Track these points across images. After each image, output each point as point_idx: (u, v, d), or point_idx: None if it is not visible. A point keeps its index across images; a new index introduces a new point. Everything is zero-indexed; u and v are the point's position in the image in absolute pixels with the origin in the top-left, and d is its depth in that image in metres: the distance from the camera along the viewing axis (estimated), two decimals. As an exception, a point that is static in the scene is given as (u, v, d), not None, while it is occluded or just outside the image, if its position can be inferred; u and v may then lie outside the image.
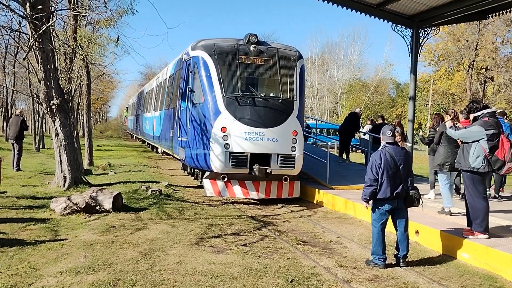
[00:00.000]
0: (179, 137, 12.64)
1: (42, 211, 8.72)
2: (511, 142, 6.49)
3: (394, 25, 13.91)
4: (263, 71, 11.31)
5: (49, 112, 10.95)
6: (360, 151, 17.60)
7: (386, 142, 6.21)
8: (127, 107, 56.71)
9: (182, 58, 12.84)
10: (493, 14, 13.12)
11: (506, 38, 37.88)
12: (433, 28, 14.16)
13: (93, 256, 6.02)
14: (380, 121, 16.20)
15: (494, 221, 7.76)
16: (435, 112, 14.60)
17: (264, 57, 11.03)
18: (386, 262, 6.14)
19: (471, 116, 6.96)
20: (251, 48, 10.90)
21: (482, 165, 6.58)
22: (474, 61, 38.83)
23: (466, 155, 6.75)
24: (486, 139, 6.55)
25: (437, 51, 42.38)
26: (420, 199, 6.24)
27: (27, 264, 5.62)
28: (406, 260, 6.23)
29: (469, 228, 6.82)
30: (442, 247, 6.94)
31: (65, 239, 6.84)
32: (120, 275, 5.28)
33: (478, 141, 6.60)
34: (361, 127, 16.90)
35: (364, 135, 16.89)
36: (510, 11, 12.87)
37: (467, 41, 38.77)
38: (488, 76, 40.20)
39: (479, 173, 6.67)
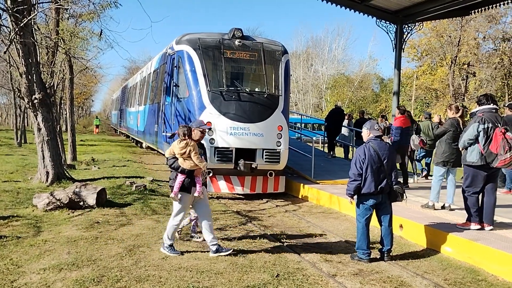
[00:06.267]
0: (163, 132, 12.57)
1: (24, 207, 8.59)
2: (504, 135, 6.58)
3: (378, 20, 14.02)
4: (248, 66, 11.28)
5: (31, 107, 10.79)
6: (339, 144, 17.72)
7: (375, 136, 6.24)
8: (96, 116, 56.18)
9: (167, 53, 12.74)
10: (476, 10, 13.27)
11: (488, 34, 38.34)
12: (417, 23, 14.30)
13: (77, 252, 5.95)
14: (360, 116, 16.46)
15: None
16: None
17: (249, 51, 10.99)
18: (371, 257, 6.18)
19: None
20: (236, 42, 10.86)
21: (476, 159, 6.75)
22: (456, 56, 39.22)
23: (466, 150, 6.95)
24: (482, 133, 6.67)
25: (420, 46, 42.69)
26: (404, 194, 6.29)
27: (10, 261, 5.54)
28: (391, 254, 6.29)
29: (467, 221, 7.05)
30: (426, 241, 7.02)
31: (48, 236, 6.75)
32: (105, 271, 5.24)
33: (477, 138, 6.73)
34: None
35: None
36: (492, 7, 13.05)
37: (449, 37, 39.13)
38: (470, 71, 40.65)
39: (474, 167, 6.81)
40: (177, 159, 6.02)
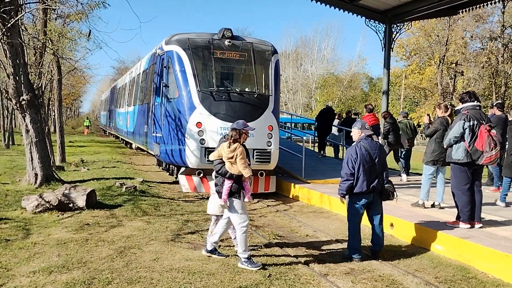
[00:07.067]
0: (153, 132, 12.50)
1: (13, 210, 8.49)
2: (489, 132, 6.62)
3: (367, 20, 14.07)
4: (238, 66, 11.27)
5: (18, 108, 10.68)
6: (329, 144, 17.80)
7: (366, 135, 6.26)
8: (87, 117, 56.02)
9: (156, 53, 12.68)
10: (464, 10, 13.38)
11: (475, 34, 38.73)
12: (405, 23, 14.38)
13: (67, 254, 5.90)
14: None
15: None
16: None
17: (238, 51, 10.98)
18: (362, 256, 6.20)
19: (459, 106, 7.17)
20: (226, 42, 10.83)
21: (462, 156, 6.79)
22: (444, 56, 39.57)
23: (451, 148, 6.99)
24: (468, 131, 6.71)
25: (408, 46, 43.04)
26: (395, 193, 6.32)
27: (-2, 264, 5.48)
28: (382, 253, 6.31)
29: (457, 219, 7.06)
30: (416, 240, 7.05)
31: (38, 238, 6.69)
32: (95, 274, 5.20)
33: (463, 135, 6.76)
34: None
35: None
36: (479, 7, 13.17)
37: (437, 36, 39.48)
38: (458, 70, 41.04)
39: (461, 164, 6.86)
40: (224, 163, 5.73)
